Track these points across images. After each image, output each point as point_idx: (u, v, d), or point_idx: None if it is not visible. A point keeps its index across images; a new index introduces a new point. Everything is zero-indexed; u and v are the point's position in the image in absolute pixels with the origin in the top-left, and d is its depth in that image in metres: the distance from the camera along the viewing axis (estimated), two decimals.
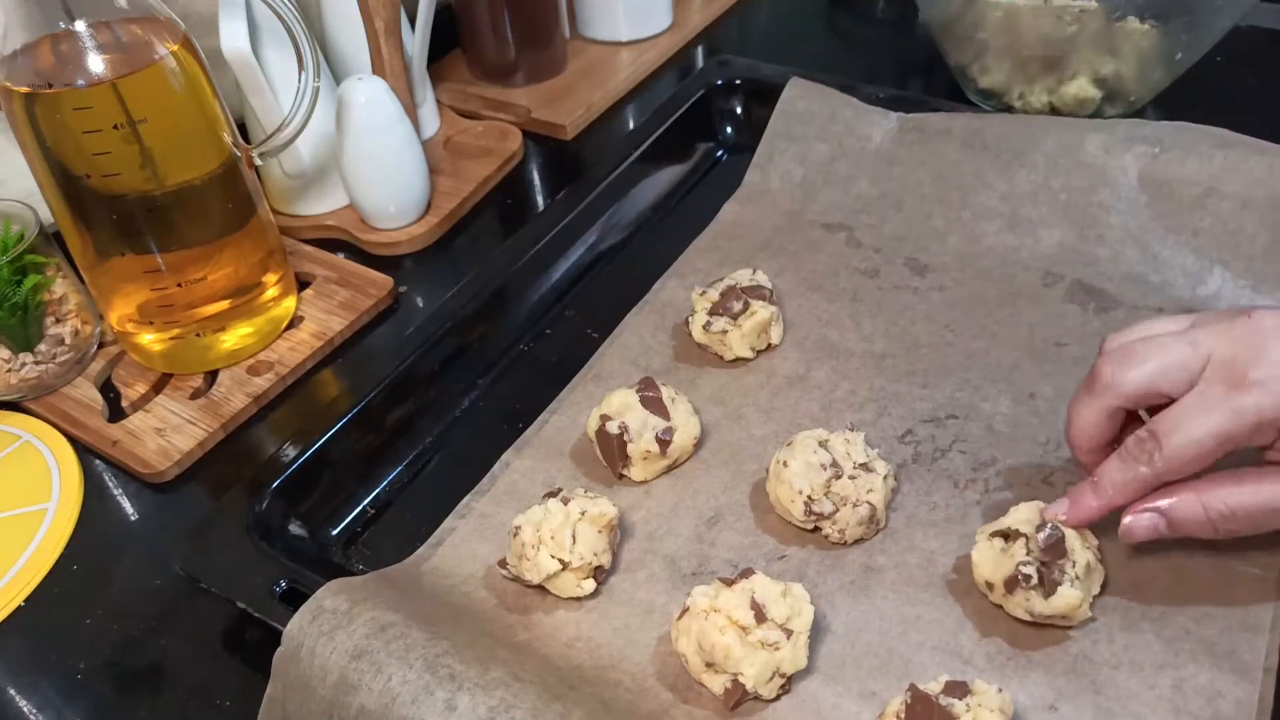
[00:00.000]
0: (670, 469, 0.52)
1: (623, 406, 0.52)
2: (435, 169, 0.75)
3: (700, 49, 0.92)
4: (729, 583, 0.42)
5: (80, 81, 0.52)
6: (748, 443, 0.53)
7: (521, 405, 0.57)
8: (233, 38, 0.63)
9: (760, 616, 0.41)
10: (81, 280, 0.61)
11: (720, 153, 0.76)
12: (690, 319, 0.59)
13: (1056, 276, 0.60)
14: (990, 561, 0.44)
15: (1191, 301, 0.57)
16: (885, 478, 0.47)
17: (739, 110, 0.76)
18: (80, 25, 0.52)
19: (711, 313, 0.57)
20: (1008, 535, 0.44)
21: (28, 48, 0.52)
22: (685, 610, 0.43)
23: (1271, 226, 0.57)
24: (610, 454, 0.51)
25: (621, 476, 0.52)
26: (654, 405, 0.52)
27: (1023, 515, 0.44)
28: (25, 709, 0.47)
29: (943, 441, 0.52)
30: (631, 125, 0.83)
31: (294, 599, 0.43)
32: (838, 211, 0.67)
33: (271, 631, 0.43)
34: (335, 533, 0.52)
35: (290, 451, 0.52)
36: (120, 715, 0.47)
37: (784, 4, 0.97)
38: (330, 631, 0.41)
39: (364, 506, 0.54)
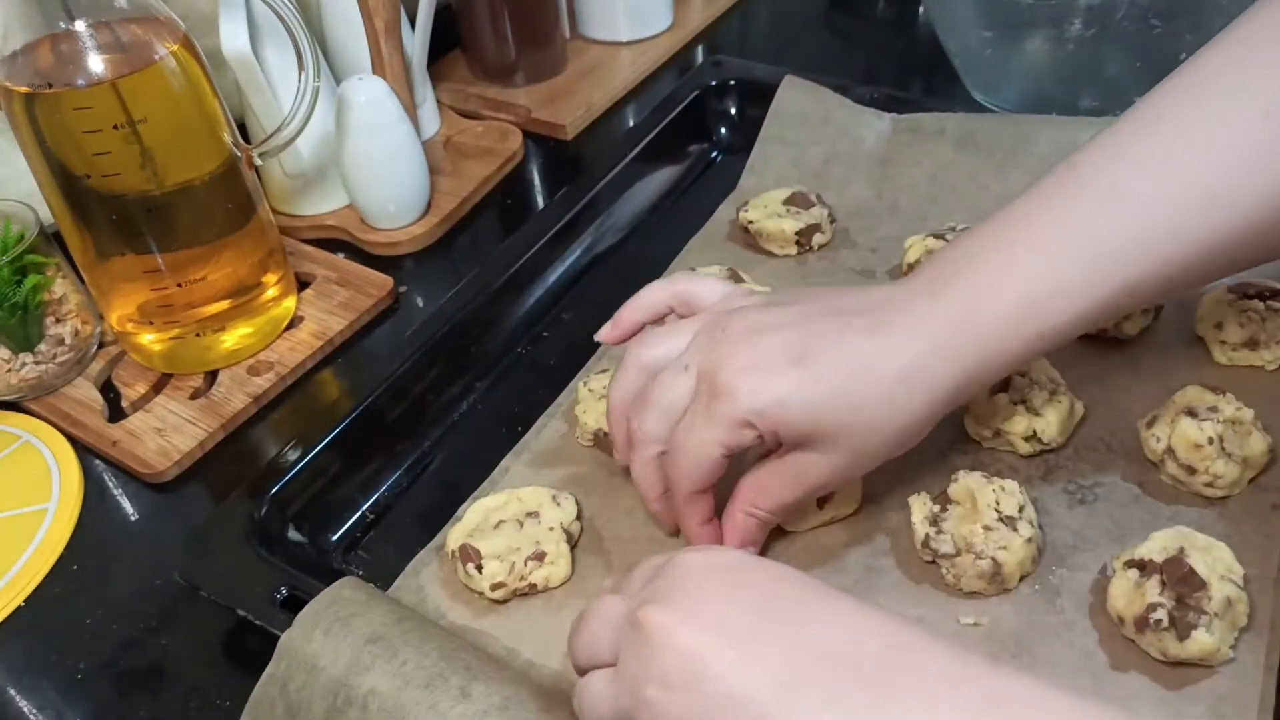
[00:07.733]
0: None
1: None
2: (435, 169, 0.75)
3: (700, 49, 0.91)
4: None
5: (80, 81, 0.52)
6: None
7: (520, 409, 0.57)
8: (233, 38, 0.63)
9: None
10: (81, 280, 0.61)
11: (715, 154, 0.76)
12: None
13: None
14: (1124, 595, 0.41)
15: None
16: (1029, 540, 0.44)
17: (733, 111, 0.76)
18: (80, 25, 0.52)
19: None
20: (1143, 566, 0.41)
21: (28, 48, 0.52)
22: None
23: None
24: None
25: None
26: None
27: (1158, 544, 0.42)
28: (25, 709, 0.47)
29: None
30: (631, 125, 0.83)
31: (294, 606, 0.43)
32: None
33: (272, 637, 0.43)
34: (335, 538, 0.52)
35: (290, 456, 0.52)
36: (120, 715, 0.47)
37: (784, 4, 0.97)
38: (347, 618, 0.42)
39: (363, 511, 0.54)
